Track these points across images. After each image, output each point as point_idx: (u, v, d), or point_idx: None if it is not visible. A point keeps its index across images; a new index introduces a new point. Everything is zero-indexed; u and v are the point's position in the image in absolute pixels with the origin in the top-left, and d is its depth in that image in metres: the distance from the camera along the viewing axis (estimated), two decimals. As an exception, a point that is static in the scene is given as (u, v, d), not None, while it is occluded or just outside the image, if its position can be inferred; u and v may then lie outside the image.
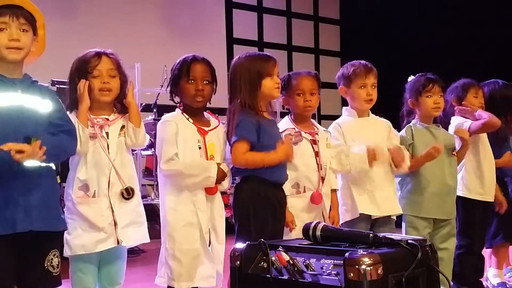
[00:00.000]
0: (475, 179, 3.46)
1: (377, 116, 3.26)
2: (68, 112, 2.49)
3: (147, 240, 2.64)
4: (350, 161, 2.96)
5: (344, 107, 3.23)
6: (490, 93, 3.68)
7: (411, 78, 3.39)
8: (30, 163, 2.12)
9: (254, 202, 2.64)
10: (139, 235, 2.60)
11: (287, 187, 2.81)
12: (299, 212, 2.83)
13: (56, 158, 2.32)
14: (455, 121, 3.50)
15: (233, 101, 2.73)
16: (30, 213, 2.13)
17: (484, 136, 3.50)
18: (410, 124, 3.31)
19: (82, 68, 2.57)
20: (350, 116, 3.15)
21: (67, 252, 2.50)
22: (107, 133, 2.57)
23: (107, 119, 2.59)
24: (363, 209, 2.98)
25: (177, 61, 2.76)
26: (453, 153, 3.32)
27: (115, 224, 2.50)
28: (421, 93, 3.27)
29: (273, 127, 2.80)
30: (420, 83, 3.29)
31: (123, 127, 2.61)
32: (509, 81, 3.84)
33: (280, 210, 2.71)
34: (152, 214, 4.53)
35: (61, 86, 5.17)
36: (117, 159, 2.57)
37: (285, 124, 2.97)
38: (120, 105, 2.65)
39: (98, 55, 2.58)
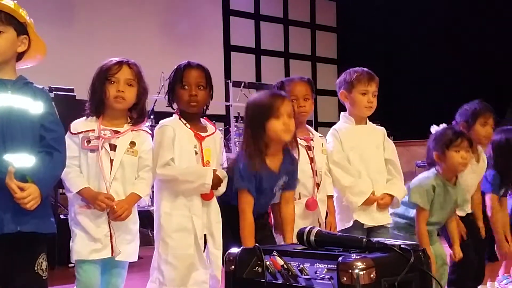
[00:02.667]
0: None
1: (374, 124, 3.25)
2: (84, 118, 2.59)
3: (134, 259, 2.63)
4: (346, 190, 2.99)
5: (342, 113, 3.20)
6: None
7: (434, 128, 3.30)
8: (21, 165, 2.10)
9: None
10: (125, 252, 2.56)
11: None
12: (295, 218, 2.80)
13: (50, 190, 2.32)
14: None
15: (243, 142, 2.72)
16: (18, 214, 2.09)
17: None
18: (432, 182, 3.18)
19: (102, 75, 2.60)
20: (347, 123, 3.14)
21: (71, 258, 2.55)
22: (114, 146, 2.57)
23: (117, 131, 2.59)
24: (358, 216, 2.98)
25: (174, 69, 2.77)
26: None
27: (111, 235, 2.51)
28: (448, 146, 3.15)
29: (274, 178, 2.68)
30: (448, 137, 3.18)
31: (132, 143, 2.61)
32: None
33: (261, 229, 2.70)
34: (149, 220, 4.52)
35: (58, 92, 5.19)
36: (119, 174, 2.56)
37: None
38: (136, 116, 2.66)
39: (120, 63, 2.61)
